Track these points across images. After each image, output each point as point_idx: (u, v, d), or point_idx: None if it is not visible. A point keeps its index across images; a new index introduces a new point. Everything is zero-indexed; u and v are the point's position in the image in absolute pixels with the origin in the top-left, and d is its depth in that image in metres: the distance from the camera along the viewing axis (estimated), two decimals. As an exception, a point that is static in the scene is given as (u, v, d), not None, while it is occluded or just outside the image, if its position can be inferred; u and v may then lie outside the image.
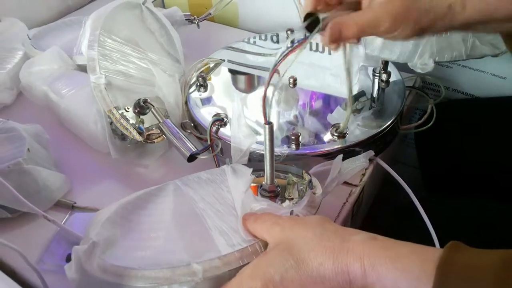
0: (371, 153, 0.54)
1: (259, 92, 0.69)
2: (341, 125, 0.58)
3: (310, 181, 0.51)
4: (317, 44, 0.77)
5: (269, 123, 0.43)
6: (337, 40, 0.42)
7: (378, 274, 0.32)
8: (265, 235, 0.40)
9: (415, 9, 0.40)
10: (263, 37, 0.80)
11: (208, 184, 0.51)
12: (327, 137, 0.59)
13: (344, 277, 0.33)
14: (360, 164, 0.54)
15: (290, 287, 0.35)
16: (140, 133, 0.59)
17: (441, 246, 0.49)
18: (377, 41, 0.62)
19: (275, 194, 0.50)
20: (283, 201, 0.50)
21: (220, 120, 0.61)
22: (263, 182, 0.50)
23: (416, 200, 0.54)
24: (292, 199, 0.51)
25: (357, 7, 0.43)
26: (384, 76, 0.65)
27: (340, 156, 0.52)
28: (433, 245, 0.49)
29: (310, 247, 0.36)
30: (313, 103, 0.67)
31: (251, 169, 0.50)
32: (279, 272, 0.35)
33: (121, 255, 0.43)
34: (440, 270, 0.30)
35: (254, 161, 0.57)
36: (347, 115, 0.56)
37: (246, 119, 0.58)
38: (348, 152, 0.57)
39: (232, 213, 0.46)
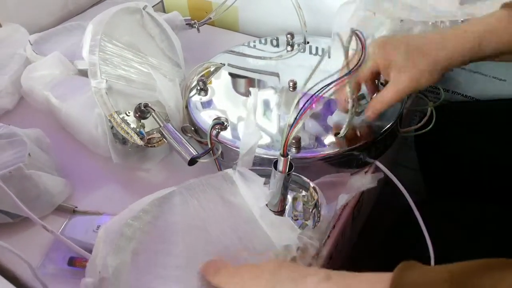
0: (380, 175, 0.55)
1: (259, 95, 0.70)
2: (341, 130, 0.58)
3: (317, 201, 0.51)
4: (316, 48, 0.77)
5: (286, 155, 0.44)
6: (376, 118, 0.57)
7: None
8: (231, 285, 0.40)
9: (425, 65, 0.51)
10: (263, 41, 0.81)
11: (214, 191, 0.51)
12: (327, 140, 0.59)
13: None
14: (367, 183, 0.54)
15: None
16: (141, 137, 0.59)
17: (437, 248, 0.49)
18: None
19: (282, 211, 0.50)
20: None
21: (220, 124, 0.61)
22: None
23: (413, 203, 0.54)
24: (297, 219, 0.51)
25: None
26: (383, 79, 0.65)
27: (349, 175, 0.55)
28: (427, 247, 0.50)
29: None
30: (313, 106, 0.67)
31: (263, 179, 0.50)
32: None
33: (133, 285, 0.43)
34: None
35: (255, 165, 0.57)
36: (348, 120, 0.57)
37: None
38: (348, 155, 0.58)
39: (243, 232, 0.47)
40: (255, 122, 0.59)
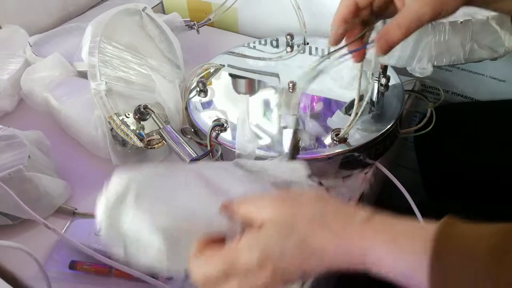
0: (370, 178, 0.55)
1: (259, 96, 0.70)
2: (342, 131, 0.58)
3: None
4: (316, 48, 0.77)
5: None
6: (387, 50, 0.45)
7: (378, 255, 0.32)
8: (261, 211, 0.37)
9: None
10: (262, 41, 0.81)
11: (220, 168, 0.51)
12: (327, 140, 0.59)
13: (345, 259, 0.34)
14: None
15: (288, 265, 0.35)
16: (141, 139, 0.59)
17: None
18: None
19: None
20: None
21: (220, 126, 0.61)
22: None
23: (414, 204, 0.54)
24: None
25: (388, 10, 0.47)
26: (383, 80, 0.65)
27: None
28: None
29: (313, 229, 0.35)
30: (314, 105, 0.67)
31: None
32: (279, 250, 0.34)
33: (151, 207, 0.41)
34: (436, 242, 0.30)
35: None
36: (350, 121, 0.57)
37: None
38: (348, 156, 0.57)
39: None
40: (250, 129, 0.59)
